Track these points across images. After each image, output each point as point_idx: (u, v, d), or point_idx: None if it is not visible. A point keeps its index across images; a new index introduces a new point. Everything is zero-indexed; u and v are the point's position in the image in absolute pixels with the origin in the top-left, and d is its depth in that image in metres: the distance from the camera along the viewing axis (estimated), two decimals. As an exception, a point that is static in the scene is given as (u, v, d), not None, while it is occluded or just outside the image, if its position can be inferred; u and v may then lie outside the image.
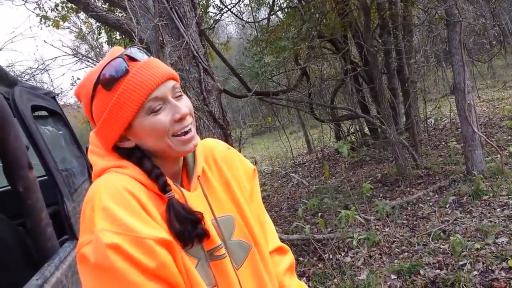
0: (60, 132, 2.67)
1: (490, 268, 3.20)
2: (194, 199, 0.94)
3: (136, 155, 0.92)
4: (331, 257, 4.14)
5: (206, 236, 0.89)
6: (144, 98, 0.85)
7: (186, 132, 0.90)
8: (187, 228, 0.85)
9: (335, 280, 3.62)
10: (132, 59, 0.88)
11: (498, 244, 3.48)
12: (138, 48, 0.92)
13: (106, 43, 8.58)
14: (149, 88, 0.86)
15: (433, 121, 9.54)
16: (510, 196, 4.42)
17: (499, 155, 5.39)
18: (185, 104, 0.91)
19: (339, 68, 9.23)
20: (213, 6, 8.74)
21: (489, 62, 14.40)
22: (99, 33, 8.40)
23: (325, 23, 7.43)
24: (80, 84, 0.94)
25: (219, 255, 0.93)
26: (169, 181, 0.91)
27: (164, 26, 4.03)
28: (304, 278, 3.90)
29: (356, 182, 6.63)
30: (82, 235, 0.81)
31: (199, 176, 0.99)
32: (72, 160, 2.51)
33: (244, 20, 8.86)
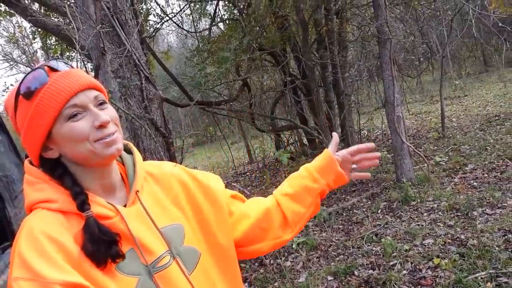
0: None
1: (418, 267, 3.46)
2: (132, 214, 0.94)
3: (58, 172, 0.92)
4: (271, 262, 4.26)
5: (121, 258, 0.88)
6: (62, 105, 0.86)
7: (109, 135, 0.89)
8: (100, 248, 0.84)
9: (276, 284, 3.74)
10: (52, 69, 0.89)
11: (425, 245, 3.76)
12: (61, 60, 0.94)
13: (41, 48, 8.27)
14: (66, 95, 0.86)
15: (366, 133, 10.02)
16: (436, 202, 4.78)
17: (426, 164, 5.79)
18: (107, 113, 0.91)
19: (278, 80, 9.49)
20: (153, 14, 8.73)
21: (418, 77, 15.40)
22: (34, 38, 8.09)
23: (266, 36, 7.65)
24: (6, 97, 0.95)
25: (162, 265, 0.93)
26: (98, 199, 0.91)
27: (105, 33, 4.00)
28: (246, 283, 3.98)
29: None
30: (9, 278, 0.84)
31: (138, 191, 0.99)
32: (11, 166, 2.43)
33: (185, 30, 8.88)
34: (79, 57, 4.00)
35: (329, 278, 3.66)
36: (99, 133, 0.88)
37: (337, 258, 4.01)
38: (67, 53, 7.29)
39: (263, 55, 8.36)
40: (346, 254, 4.07)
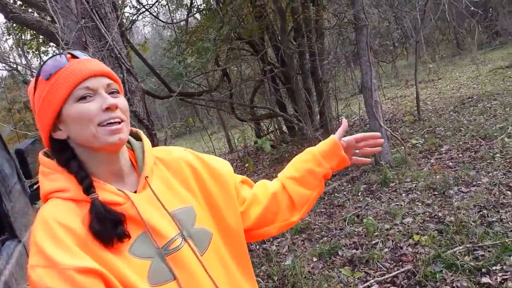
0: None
1: (398, 245, 3.62)
2: (142, 199, 0.97)
3: (66, 156, 0.95)
4: (257, 247, 4.37)
5: (127, 237, 0.90)
6: (74, 86, 0.90)
7: (113, 124, 0.91)
8: (106, 227, 0.87)
9: (263, 268, 3.85)
10: (74, 56, 0.96)
11: (405, 224, 3.93)
12: (82, 52, 1.00)
13: (15, 44, 8.13)
14: (80, 76, 0.91)
15: (343, 118, 10.18)
16: (414, 182, 4.97)
17: (403, 147, 5.98)
18: (117, 100, 0.94)
19: (257, 69, 9.56)
20: (129, 6, 8.67)
21: (393, 62, 15.65)
22: (9, 34, 7.95)
23: (243, 25, 7.69)
24: (30, 84, 1.01)
25: (174, 248, 0.95)
26: (109, 187, 0.95)
27: (85, 28, 4.00)
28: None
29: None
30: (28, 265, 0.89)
31: (147, 177, 1.01)
32: (3, 161, 2.46)
33: (162, 21, 8.84)
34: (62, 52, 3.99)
35: (314, 259, 3.79)
36: (105, 115, 0.91)
37: (321, 240, 4.15)
38: (43, 48, 7.20)
39: (242, 45, 8.40)
40: (330, 236, 4.21)
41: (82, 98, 0.91)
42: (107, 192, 0.94)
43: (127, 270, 0.88)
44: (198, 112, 10.93)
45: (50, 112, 0.94)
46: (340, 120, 9.55)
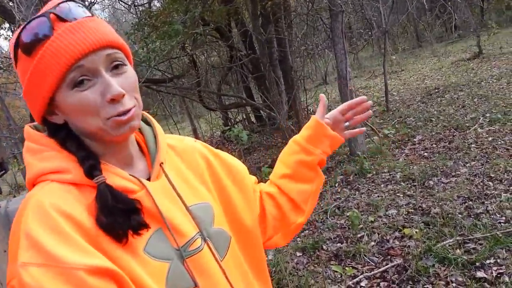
0: None
1: (385, 238, 3.50)
2: (158, 189, 0.80)
3: (61, 134, 0.77)
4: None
5: (145, 228, 0.73)
6: (65, 68, 0.69)
7: (124, 113, 0.73)
8: (116, 220, 0.70)
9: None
10: (60, 18, 0.71)
11: (389, 216, 3.81)
12: (76, 3, 0.74)
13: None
14: (71, 56, 0.69)
15: (313, 108, 10.09)
16: (391, 173, 4.89)
17: (376, 137, 5.90)
18: (122, 81, 0.73)
19: (225, 56, 9.27)
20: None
21: (355, 53, 15.75)
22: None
23: (211, 9, 7.37)
24: (10, 41, 0.76)
25: (194, 249, 0.80)
26: (119, 171, 0.77)
27: (43, 2, 3.63)
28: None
29: (249, 169, 6.75)
30: (10, 263, 0.66)
31: (162, 163, 0.85)
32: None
33: (124, 3, 8.38)
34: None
35: (298, 254, 3.62)
36: (111, 110, 0.72)
37: (303, 234, 3.98)
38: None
39: (209, 31, 8.08)
40: (311, 228, 4.05)
41: (79, 83, 0.71)
42: (116, 177, 0.76)
43: (142, 273, 0.71)
44: (163, 101, 10.53)
45: (40, 100, 0.72)
46: (309, 110, 9.46)
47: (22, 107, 14.18)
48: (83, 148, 0.76)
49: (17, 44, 0.72)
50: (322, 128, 1.08)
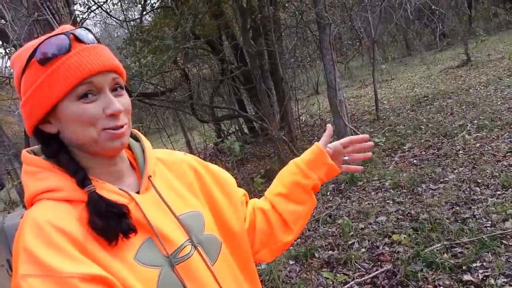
0: None
1: (375, 244, 3.57)
2: (147, 201, 0.87)
3: (53, 147, 0.84)
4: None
5: (133, 232, 0.79)
6: (78, 81, 0.78)
7: (118, 128, 0.81)
8: (110, 223, 0.76)
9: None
10: (78, 40, 0.81)
11: (379, 223, 3.89)
12: (89, 30, 0.85)
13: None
14: (86, 71, 0.78)
15: (305, 119, 10.20)
16: (381, 180, 4.97)
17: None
18: (122, 101, 0.83)
19: (217, 69, 9.37)
20: (79, 3, 8.22)
21: (346, 63, 15.93)
22: None
23: (201, 23, 7.49)
24: (17, 53, 0.85)
25: (184, 256, 0.86)
26: (108, 186, 0.84)
27: (36, 22, 3.70)
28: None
29: (242, 179, 6.82)
30: (13, 277, 0.73)
31: (150, 176, 0.92)
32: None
33: (115, 18, 8.48)
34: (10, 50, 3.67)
35: (291, 262, 3.68)
36: (109, 122, 0.81)
37: (295, 243, 4.04)
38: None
39: (200, 44, 8.19)
40: (303, 237, 4.11)
41: (84, 96, 0.79)
42: (106, 191, 0.82)
43: (133, 280, 0.76)
44: (156, 114, 10.59)
45: (44, 105, 0.80)
46: (301, 120, 9.57)
47: (15, 123, 14.18)
48: (73, 160, 0.83)
49: (32, 55, 0.80)
50: (323, 155, 1.14)
